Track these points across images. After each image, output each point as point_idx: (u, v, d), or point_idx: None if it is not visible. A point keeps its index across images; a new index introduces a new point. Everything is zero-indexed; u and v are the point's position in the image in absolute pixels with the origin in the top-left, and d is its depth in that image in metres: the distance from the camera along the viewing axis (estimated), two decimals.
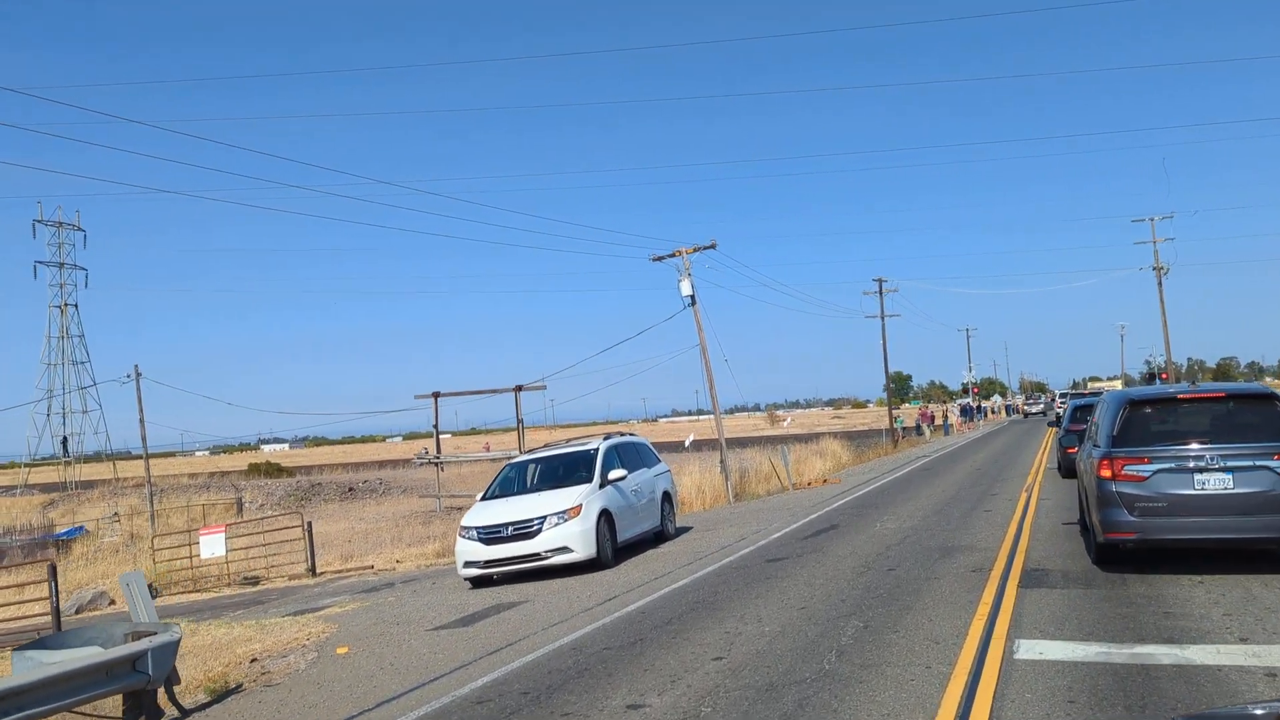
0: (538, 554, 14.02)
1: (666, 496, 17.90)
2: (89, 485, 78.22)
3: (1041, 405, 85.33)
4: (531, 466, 16.39)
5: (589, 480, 15.14)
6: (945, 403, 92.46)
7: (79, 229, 79.54)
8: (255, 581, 22.74)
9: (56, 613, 15.50)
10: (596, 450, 15.94)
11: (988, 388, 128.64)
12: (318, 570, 22.24)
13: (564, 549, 14.02)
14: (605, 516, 14.79)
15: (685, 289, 34.37)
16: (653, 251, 34.68)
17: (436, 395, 35.32)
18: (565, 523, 14.10)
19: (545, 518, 14.10)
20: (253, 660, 11.02)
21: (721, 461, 32.07)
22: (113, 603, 22.31)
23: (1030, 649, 7.35)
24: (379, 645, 10.47)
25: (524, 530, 14.09)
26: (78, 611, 21.82)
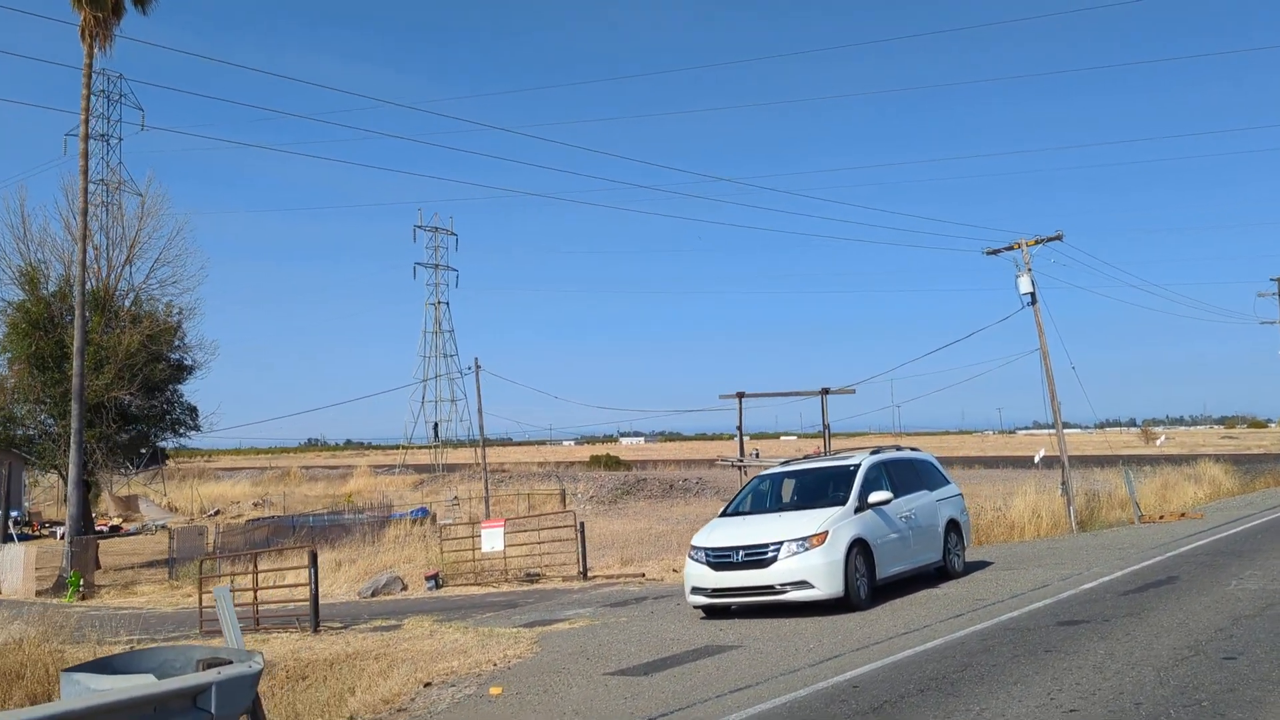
0: (771, 586, 11.92)
1: (954, 526, 15.01)
2: (454, 468, 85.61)
3: None
4: (784, 481, 14.27)
5: (843, 502, 12.78)
6: None
7: (452, 233, 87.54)
8: (534, 579, 22.46)
9: (315, 600, 15.69)
10: (857, 467, 13.51)
11: None
12: (589, 574, 21.51)
13: (802, 583, 11.80)
14: (860, 547, 12.37)
15: (1024, 285, 30.51)
16: (987, 244, 31.03)
17: (741, 395, 33.92)
18: (805, 552, 11.88)
19: (782, 544, 11.97)
20: (426, 685, 10.01)
21: (1063, 483, 27.96)
22: (405, 588, 23.00)
23: None
24: (537, 690, 8.98)
25: (756, 557, 12.04)
26: (373, 594, 22.67)
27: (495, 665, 10.60)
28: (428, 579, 22.52)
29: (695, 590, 12.52)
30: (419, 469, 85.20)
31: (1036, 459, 54.00)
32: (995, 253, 31.82)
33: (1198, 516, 23.32)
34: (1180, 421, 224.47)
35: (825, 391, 32.30)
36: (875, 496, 12.98)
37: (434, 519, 43.02)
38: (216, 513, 54.48)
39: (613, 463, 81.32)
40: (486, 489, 46.44)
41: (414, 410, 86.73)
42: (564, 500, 49.25)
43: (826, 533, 12.03)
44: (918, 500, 14.18)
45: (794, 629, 11.18)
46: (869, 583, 12.46)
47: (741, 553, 12.13)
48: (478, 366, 47.25)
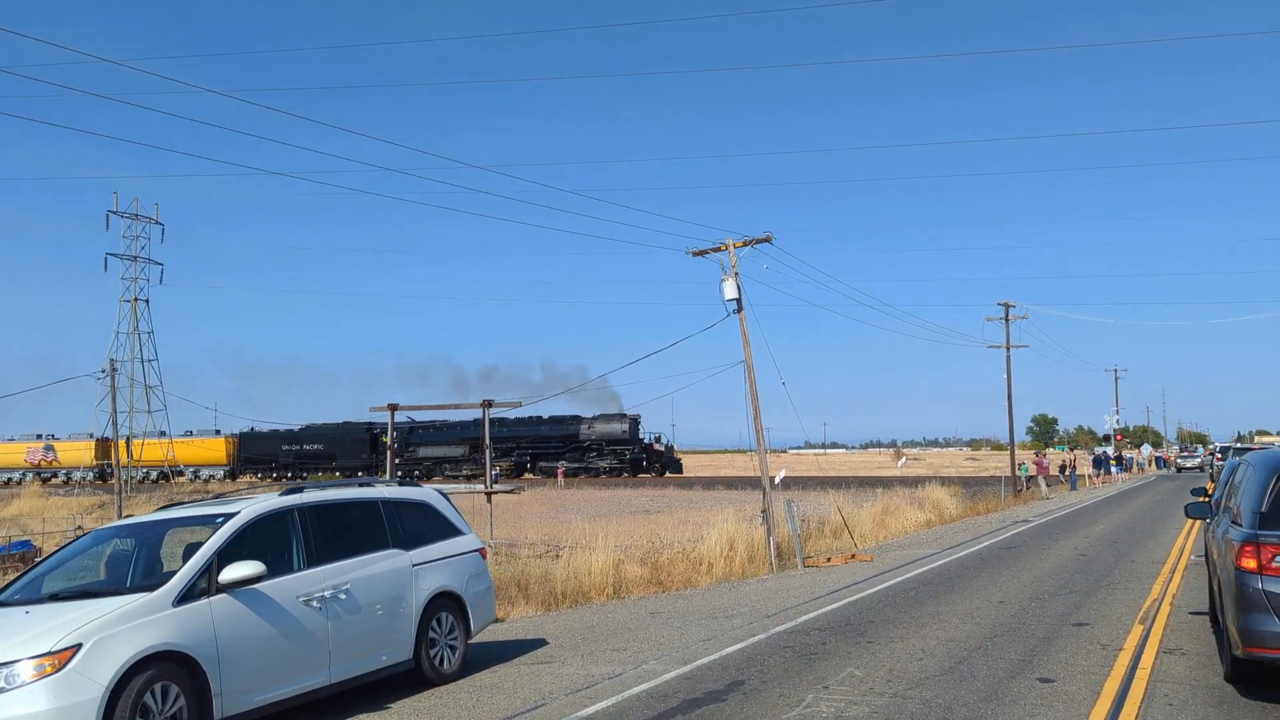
0: None
1: (448, 602, 9.86)
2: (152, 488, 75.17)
3: (1199, 459, 71.98)
4: (135, 545, 8.67)
5: (154, 587, 7.37)
6: (1073, 450, 79.71)
7: (157, 222, 76.89)
8: None
9: None
10: (226, 519, 8.15)
11: (1139, 436, 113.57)
12: None
13: None
14: (172, 667, 6.98)
15: (729, 291, 26.70)
16: (692, 245, 27.21)
17: (394, 408, 28.45)
18: (26, 686, 6.38)
19: None
20: None
21: (764, 511, 24.10)
22: None
23: None
24: None
25: None
26: None
27: None
28: None
29: None
30: (107, 490, 74.08)
31: (777, 478, 51.45)
32: (702, 254, 28.22)
33: (867, 559, 19.60)
34: (935, 443, 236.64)
35: (488, 404, 27.29)
36: (235, 571, 7.62)
37: (38, 554, 34.81)
38: None
39: None
40: (120, 513, 38.58)
41: (100, 421, 74.99)
42: None
43: (76, 647, 6.56)
44: (365, 568, 8.96)
45: None
46: None
47: None
48: (114, 370, 39.35)
